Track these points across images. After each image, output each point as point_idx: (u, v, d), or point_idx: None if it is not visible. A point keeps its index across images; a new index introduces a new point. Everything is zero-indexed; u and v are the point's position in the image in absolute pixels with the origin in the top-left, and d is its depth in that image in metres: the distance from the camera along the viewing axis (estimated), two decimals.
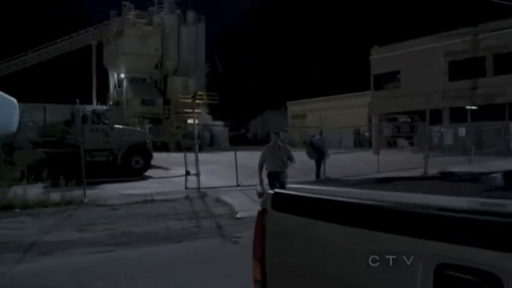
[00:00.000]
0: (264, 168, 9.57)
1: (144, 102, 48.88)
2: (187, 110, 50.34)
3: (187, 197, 12.34)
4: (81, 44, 52.00)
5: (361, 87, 48.44)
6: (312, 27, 75.35)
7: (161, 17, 54.07)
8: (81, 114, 18.96)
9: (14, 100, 18.01)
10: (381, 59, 37.66)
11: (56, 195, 11.23)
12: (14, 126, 17.81)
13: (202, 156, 20.77)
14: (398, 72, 36.73)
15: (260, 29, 77.79)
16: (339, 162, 20.56)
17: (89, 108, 19.77)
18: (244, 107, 74.10)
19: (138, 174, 18.63)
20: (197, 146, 14.39)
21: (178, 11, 55.58)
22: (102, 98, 50.32)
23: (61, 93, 54.68)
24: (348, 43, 68.50)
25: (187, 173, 13.64)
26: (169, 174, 19.32)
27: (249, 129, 78.79)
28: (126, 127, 21.70)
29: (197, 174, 13.48)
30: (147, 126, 41.35)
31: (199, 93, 51.74)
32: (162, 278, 5.73)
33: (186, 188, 13.47)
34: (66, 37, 51.75)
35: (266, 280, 1.94)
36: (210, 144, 46.33)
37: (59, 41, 51.46)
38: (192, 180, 13.90)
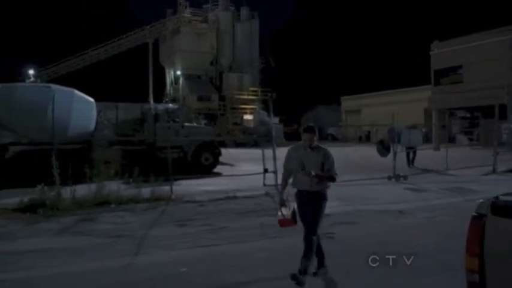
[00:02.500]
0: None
1: (200, 99, 49.93)
2: (242, 106, 51.21)
3: (267, 194, 12.83)
4: (138, 42, 53.35)
5: (417, 81, 47.91)
6: (367, 21, 74.65)
7: (216, 14, 54.99)
8: (154, 112, 19.94)
9: (92, 100, 18.98)
10: (442, 53, 37.15)
11: (142, 191, 11.95)
12: (93, 125, 18.77)
13: (265, 152, 21.15)
14: (460, 67, 36.15)
15: (313, 23, 77.68)
16: (404, 158, 20.76)
17: (161, 107, 20.60)
18: (296, 102, 74.24)
19: (208, 171, 19.29)
20: (274, 144, 14.79)
21: (233, 8, 56.42)
22: (159, 95, 51.89)
23: (119, 91, 56.57)
24: (404, 37, 67.46)
25: (266, 171, 14.13)
26: (236, 170, 19.92)
27: (301, 124, 79.02)
28: (195, 125, 22.48)
29: (275, 171, 13.92)
30: (203, 122, 42.28)
31: (253, 89, 52.50)
32: (281, 273, 6.20)
33: (264, 184, 13.96)
34: (124, 36, 53.35)
35: (485, 272, 2.37)
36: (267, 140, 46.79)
37: (116, 39, 53.08)
38: (266, 177, 14.39)
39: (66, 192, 11.18)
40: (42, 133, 16.82)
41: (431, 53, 38.33)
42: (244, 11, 56.69)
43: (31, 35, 62.84)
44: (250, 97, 52.08)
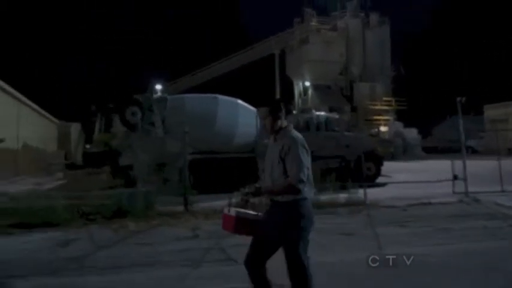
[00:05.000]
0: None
1: (331, 110, 50.62)
2: (376, 118, 51.22)
3: (461, 201, 13.19)
4: (263, 54, 55.38)
5: None
6: (506, 24, 71.44)
7: (345, 21, 55.72)
8: (316, 122, 20.96)
9: (255, 109, 20.36)
10: None
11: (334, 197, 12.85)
12: (256, 134, 20.11)
13: (408, 165, 21.21)
14: None
15: (447, 27, 75.76)
16: None
17: (322, 116, 21.57)
18: (429, 112, 72.60)
19: (370, 181, 19.88)
20: (465, 152, 15.01)
21: (362, 14, 56.82)
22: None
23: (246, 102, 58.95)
24: None
25: (455, 177, 14.46)
26: (395, 179, 20.20)
27: (433, 136, 76.93)
28: (356, 134, 23.14)
29: (465, 179, 14.21)
30: None
31: (387, 98, 52.39)
32: None
33: (453, 192, 14.28)
34: (249, 47, 55.58)
35: None
36: (403, 152, 46.50)
37: (242, 51, 55.38)
38: (447, 185, 14.70)
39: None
40: (209, 142, 18.46)
41: None
42: (374, 17, 56.91)
43: (160, 51, 67.47)
44: (384, 107, 51.96)
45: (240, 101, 20.17)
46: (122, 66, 66.96)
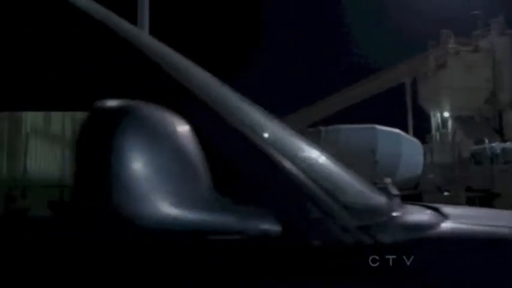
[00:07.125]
0: None
1: (477, 144, 48.73)
2: None
3: None
4: (391, 83, 54.64)
5: None
6: None
7: (489, 41, 53.85)
8: (489, 153, 20.40)
9: (419, 142, 20.24)
10: None
11: None
12: (420, 169, 19.88)
13: None
14: None
15: None
16: None
17: (497, 147, 20.97)
18: None
19: None
20: None
21: (510, 32, 54.68)
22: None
23: None
24: None
25: None
26: None
27: None
28: None
29: None
30: None
31: None
32: None
33: None
34: (373, 77, 55.08)
35: None
36: None
37: (365, 81, 54.99)
38: None
39: None
40: (369, 177, 18.38)
41: None
42: None
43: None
44: None
45: (402, 133, 20.12)
46: None
